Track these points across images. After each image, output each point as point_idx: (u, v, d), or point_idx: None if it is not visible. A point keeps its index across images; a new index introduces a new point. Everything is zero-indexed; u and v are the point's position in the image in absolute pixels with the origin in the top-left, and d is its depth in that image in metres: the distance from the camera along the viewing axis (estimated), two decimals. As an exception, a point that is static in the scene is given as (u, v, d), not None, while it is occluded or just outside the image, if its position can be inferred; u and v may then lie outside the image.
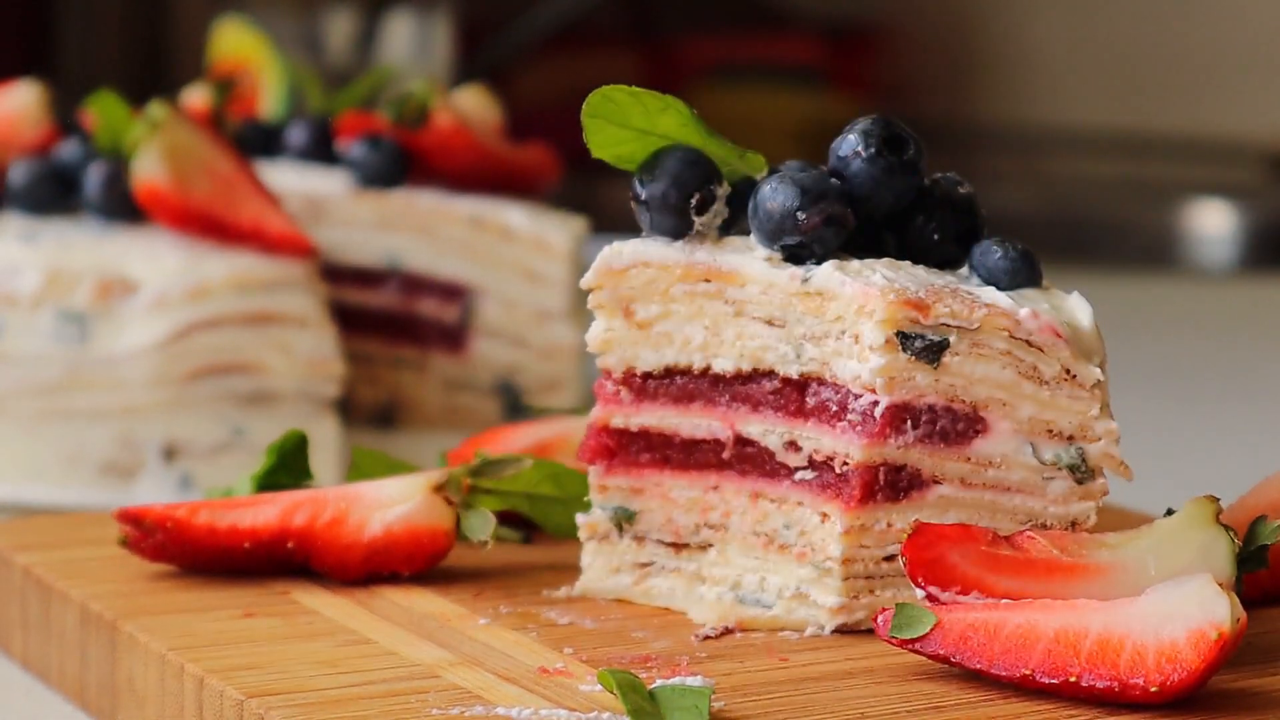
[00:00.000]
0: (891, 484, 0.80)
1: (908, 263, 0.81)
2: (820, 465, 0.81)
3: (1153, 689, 0.70)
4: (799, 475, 0.81)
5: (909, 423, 0.79)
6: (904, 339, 0.78)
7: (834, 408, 0.80)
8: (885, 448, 0.79)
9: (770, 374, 0.82)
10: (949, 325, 0.79)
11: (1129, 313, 2.08)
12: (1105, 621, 0.72)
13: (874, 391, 0.79)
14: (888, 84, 3.01)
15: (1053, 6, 2.91)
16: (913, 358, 0.78)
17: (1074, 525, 0.80)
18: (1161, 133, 2.75)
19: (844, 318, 0.79)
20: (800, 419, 0.81)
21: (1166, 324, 2.06)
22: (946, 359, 0.79)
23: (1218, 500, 0.77)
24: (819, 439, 0.81)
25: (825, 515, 0.81)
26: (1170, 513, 0.78)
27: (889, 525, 0.80)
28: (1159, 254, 2.38)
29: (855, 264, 0.80)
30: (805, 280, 0.80)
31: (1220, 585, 0.72)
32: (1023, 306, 0.79)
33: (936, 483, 0.80)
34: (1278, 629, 0.82)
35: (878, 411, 0.79)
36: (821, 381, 0.80)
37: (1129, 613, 0.72)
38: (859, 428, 0.79)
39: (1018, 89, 2.94)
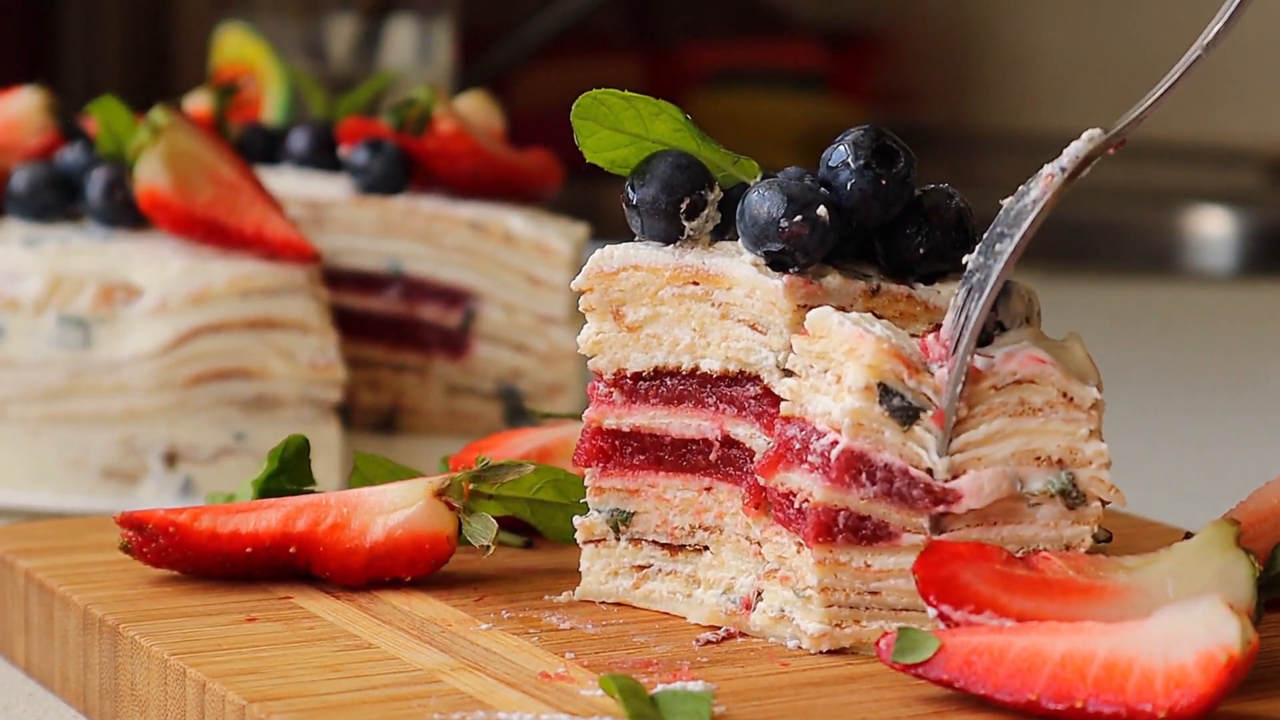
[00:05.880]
0: (854, 529, 0.78)
1: (905, 332, 0.79)
2: (784, 497, 0.79)
3: (1161, 714, 0.68)
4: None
5: (864, 474, 0.77)
6: (884, 391, 0.77)
7: (797, 445, 0.78)
8: (848, 495, 0.77)
9: (755, 378, 0.82)
10: (929, 398, 0.77)
11: (1129, 318, 2.09)
12: (1112, 644, 0.70)
13: (838, 431, 0.77)
14: (889, 90, 3.01)
15: (1054, 13, 2.91)
16: (886, 413, 0.77)
17: (1068, 550, 0.77)
18: (1162, 139, 2.75)
19: (829, 356, 0.78)
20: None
21: (1167, 329, 2.06)
22: (917, 430, 0.77)
23: (1238, 524, 0.75)
24: (786, 474, 0.79)
25: (800, 545, 0.79)
26: (1189, 535, 0.76)
27: (866, 565, 0.78)
28: (1159, 259, 2.38)
29: (855, 314, 0.79)
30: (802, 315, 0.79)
31: (1233, 608, 0.69)
32: (999, 349, 0.77)
33: (907, 532, 0.78)
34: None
35: (834, 454, 0.77)
36: (788, 420, 0.79)
37: (1137, 635, 0.70)
38: (819, 470, 0.78)
39: (1018, 95, 2.95)
